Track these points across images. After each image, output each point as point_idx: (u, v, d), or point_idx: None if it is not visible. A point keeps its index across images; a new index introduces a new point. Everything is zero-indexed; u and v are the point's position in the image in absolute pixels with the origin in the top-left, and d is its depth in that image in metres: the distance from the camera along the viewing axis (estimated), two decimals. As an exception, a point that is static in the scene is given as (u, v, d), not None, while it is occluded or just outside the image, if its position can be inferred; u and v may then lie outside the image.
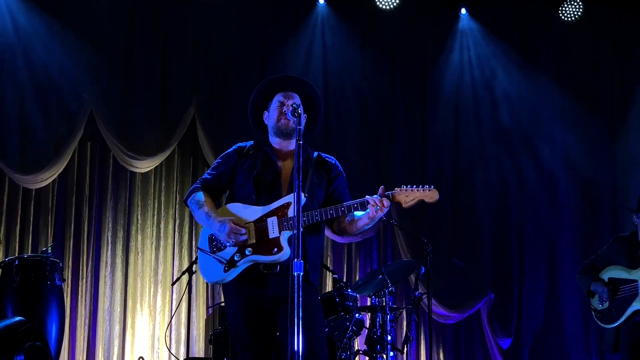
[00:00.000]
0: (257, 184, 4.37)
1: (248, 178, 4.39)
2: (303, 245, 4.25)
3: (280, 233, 4.21)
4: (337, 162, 4.62)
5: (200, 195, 4.43)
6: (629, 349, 6.17)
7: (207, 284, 8.86)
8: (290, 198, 4.23)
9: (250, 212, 4.31)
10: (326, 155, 4.64)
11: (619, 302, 6.28)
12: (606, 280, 6.43)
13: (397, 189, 4.19)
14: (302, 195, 4.20)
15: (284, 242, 4.18)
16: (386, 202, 4.13)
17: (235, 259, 4.24)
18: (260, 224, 4.27)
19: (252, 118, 4.65)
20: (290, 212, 4.21)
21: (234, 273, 4.25)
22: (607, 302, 6.36)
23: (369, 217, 4.22)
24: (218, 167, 4.54)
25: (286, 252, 4.15)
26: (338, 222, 4.42)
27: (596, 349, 9.61)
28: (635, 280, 6.20)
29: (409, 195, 4.17)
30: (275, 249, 4.19)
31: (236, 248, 4.24)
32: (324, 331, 4.38)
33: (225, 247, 4.28)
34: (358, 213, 4.25)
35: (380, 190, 4.18)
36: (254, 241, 4.24)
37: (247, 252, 4.23)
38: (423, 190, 4.18)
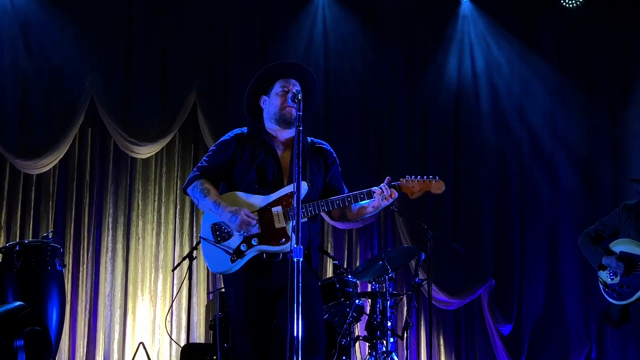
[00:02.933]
0: (260, 173, 4.36)
1: (250, 167, 4.38)
2: (307, 234, 4.30)
3: (286, 223, 4.22)
4: (331, 148, 4.63)
5: (203, 184, 4.40)
6: None
7: (207, 270, 8.87)
8: (292, 187, 4.20)
9: (254, 201, 4.30)
10: (318, 140, 4.64)
11: (633, 279, 6.11)
12: (617, 253, 6.25)
13: (402, 180, 4.22)
14: (305, 184, 4.23)
15: (290, 232, 4.18)
16: (394, 194, 4.16)
17: (242, 248, 4.25)
18: (265, 213, 4.27)
19: (247, 102, 4.62)
20: (294, 201, 4.20)
21: (240, 263, 4.25)
22: (618, 277, 6.18)
23: (373, 207, 4.24)
24: (216, 154, 4.50)
25: (292, 242, 4.14)
26: (338, 210, 4.41)
27: (596, 334, 9.62)
28: None
29: (415, 187, 4.21)
30: (283, 239, 4.21)
31: (242, 237, 4.25)
32: (323, 318, 4.40)
33: (231, 236, 4.27)
34: (362, 202, 4.24)
35: (386, 181, 4.18)
36: (259, 231, 4.24)
37: (253, 242, 4.24)
38: (429, 182, 4.22)
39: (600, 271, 6.35)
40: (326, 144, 4.63)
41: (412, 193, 4.19)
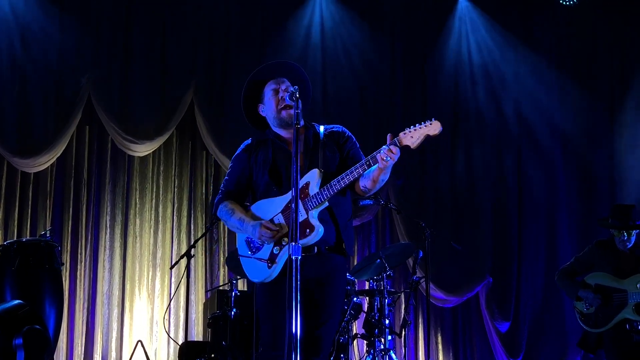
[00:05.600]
0: (274, 175, 4.38)
1: (264, 172, 4.41)
2: (332, 215, 4.31)
3: (307, 214, 4.21)
4: (344, 128, 4.62)
5: (227, 205, 4.47)
6: (618, 353, 6.60)
7: (205, 267, 8.89)
8: (307, 178, 4.25)
9: (276, 204, 4.33)
10: (331, 125, 4.62)
11: (606, 309, 6.63)
12: (593, 285, 6.76)
13: (401, 134, 4.20)
14: (317, 171, 4.26)
15: (313, 220, 4.18)
16: (395, 149, 4.14)
17: (275, 252, 4.27)
18: (287, 211, 4.27)
19: (247, 115, 4.63)
20: (311, 191, 4.22)
21: (278, 268, 4.26)
22: (594, 307, 6.68)
23: (379, 169, 4.22)
24: (233, 171, 4.55)
25: (318, 230, 4.17)
26: (357, 183, 4.39)
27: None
28: (625, 290, 6.59)
29: (413, 136, 4.17)
30: (308, 230, 4.18)
31: (272, 243, 4.27)
32: (337, 321, 4.43)
33: (263, 245, 4.31)
34: (372, 168, 4.24)
35: (388, 139, 4.18)
36: (287, 229, 4.24)
37: (283, 243, 4.26)
38: (425, 126, 4.18)
39: (577, 302, 6.84)
40: (339, 126, 4.62)
41: (412, 143, 4.17)
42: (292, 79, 4.52)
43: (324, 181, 4.24)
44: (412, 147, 4.19)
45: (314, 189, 4.21)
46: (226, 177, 4.59)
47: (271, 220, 4.30)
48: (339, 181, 4.20)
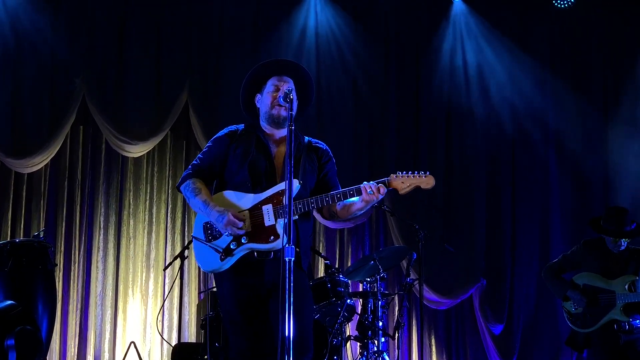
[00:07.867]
0: (252, 171, 4.35)
1: (242, 165, 4.36)
2: (296, 233, 4.29)
3: (276, 221, 4.21)
4: (328, 148, 4.63)
5: (195, 182, 4.39)
6: (606, 354, 6.63)
7: (199, 269, 8.86)
8: (284, 185, 4.19)
9: (245, 200, 4.30)
10: (316, 140, 4.63)
11: (595, 310, 6.65)
12: (581, 286, 6.78)
13: (392, 176, 4.19)
14: (296, 182, 4.23)
15: (280, 229, 4.18)
16: (382, 190, 4.15)
17: (232, 247, 4.23)
18: (256, 211, 4.26)
19: (243, 100, 4.61)
20: (285, 200, 4.20)
21: (230, 261, 4.25)
22: (582, 307, 6.72)
23: (363, 202, 4.23)
24: (210, 152, 4.49)
25: (285, 240, 4.14)
26: (329, 207, 4.42)
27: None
28: (613, 292, 6.61)
29: (404, 182, 4.18)
30: (272, 237, 4.19)
31: (232, 236, 4.23)
32: (312, 317, 4.42)
33: (221, 235, 4.26)
34: (352, 198, 4.25)
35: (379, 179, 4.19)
36: (250, 229, 4.23)
37: (243, 241, 4.23)
38: (419, 177, 4.19)
39: (565, 302, 6.87)
40: (323, 143, 4.63)
41: (401, 189, 4.18)
42: (298, 83, 4.52)
43: (298, 194, 4.23)
44: (400, 192, 4.21)
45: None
46: (200, 155, 4.51)
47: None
48: (317, 200, 4.20)
